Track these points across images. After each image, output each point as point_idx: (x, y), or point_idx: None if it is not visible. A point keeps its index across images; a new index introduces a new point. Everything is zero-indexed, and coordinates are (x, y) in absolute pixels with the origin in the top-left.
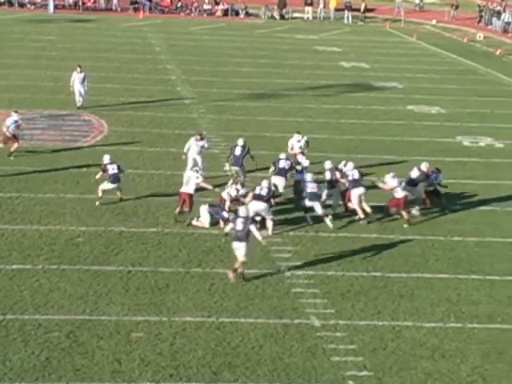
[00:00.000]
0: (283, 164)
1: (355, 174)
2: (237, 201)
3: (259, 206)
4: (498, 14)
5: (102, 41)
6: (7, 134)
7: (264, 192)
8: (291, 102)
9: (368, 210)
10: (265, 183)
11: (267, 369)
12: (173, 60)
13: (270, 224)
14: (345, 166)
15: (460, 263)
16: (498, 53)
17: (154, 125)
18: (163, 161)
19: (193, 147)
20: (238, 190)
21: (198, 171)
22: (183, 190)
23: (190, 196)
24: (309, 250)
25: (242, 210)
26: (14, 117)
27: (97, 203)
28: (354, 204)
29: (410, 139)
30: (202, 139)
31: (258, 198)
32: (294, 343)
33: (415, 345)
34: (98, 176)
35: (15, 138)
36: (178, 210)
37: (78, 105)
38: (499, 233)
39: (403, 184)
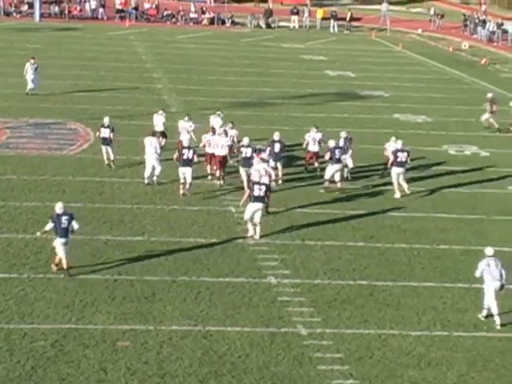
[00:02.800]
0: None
1: (248, 152)
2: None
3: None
4: (483, 22)
5: (87, 49)
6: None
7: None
8: (277, 111)
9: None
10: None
11: (254, 377)
12: (159, 68)
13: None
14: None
15: (446, 271)
16: (482, 62)
17: (140, 133)
18: None
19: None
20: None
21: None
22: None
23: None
24: (295, 259)
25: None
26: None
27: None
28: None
29: None
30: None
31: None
32: (280, 352)
33: (401, 353)
34: (97, 134)
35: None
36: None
37: (27, 91)
38: (485, 241)
39: None
